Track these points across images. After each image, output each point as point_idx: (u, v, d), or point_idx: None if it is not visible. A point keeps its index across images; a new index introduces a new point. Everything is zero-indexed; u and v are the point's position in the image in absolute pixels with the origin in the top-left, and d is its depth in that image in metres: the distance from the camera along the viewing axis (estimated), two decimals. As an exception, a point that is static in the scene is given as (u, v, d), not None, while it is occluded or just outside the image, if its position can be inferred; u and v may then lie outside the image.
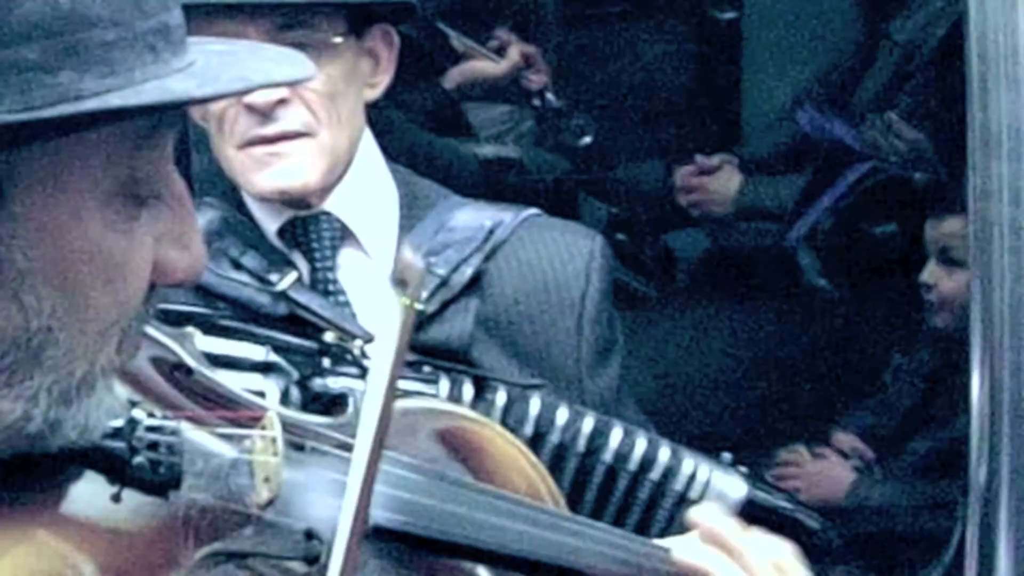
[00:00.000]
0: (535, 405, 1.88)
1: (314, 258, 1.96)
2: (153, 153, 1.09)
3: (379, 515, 1.34)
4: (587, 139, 3.54)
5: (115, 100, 1.03)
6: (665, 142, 4.05)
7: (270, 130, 1.87)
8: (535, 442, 1.84)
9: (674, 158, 3.86)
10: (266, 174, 1.89)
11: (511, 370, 1.96)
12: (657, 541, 1.57)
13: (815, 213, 3.57)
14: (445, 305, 1.95)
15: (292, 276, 1.93)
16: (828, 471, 3.20)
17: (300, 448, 1.33)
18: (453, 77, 3.27)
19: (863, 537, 3.04)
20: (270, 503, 1.27)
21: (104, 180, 1.07)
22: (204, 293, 1.93)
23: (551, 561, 1.47)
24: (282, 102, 1.87)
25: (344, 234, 1.96)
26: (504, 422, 1.84)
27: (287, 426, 1.32)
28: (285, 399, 1.80)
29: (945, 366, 3.14)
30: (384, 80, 2.00)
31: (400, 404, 1.53)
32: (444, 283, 1.95)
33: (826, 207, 3.55)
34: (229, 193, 1.99)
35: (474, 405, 1.85)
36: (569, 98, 3.63)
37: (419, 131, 3.12)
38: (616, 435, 1.90)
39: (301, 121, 1.88)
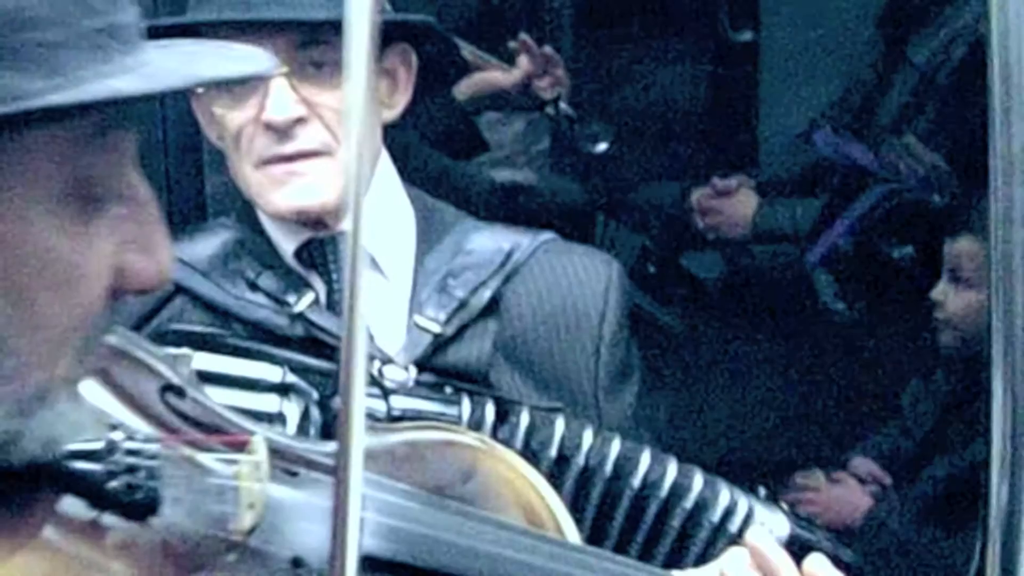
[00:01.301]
0: (560, 427, 1.86)
1: (331, 279, 1.94)
2: (108, 155, 1.06)
3: (371, 544, 1.32)
4: (603, 145, 3.51)
5: (54, 99, 1.00)
6: (681, 164, 4.04)
7: (288, 148, 1.86)
8: (559, 465, 1.82)
9: (690, 180, 3.84)
10: (284, 193, 1.87)
11: (529, 393, 1.94)
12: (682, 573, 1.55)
13: (832, 236, 3.55)
14: (464, 328, 1.94)
15: (309, 297, 1.92)
16: (845, 496, 3.18)
17: (293, 474, 1.31)
18: (464, 88, 3.25)
19: (880, 563, 3.02)
20: (253, 530, 1.25)
21: (53, 182, 1.04)
22: (220, 314, 1.93)
23: None
24: (300, 121, 1.86)
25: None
26: (527, 444, 1.82)
27: (279, 452, 1.30)
28: (305, 420, 1.79)
29: (963, 390, 3.12)
30: (402, 101, 2.00)
31: (403, 435, 1.51)
32: (463, 306, 1.94)
33: (843, 230, 3.53)
34: (244, 214, 1.99)
35: (496, 427, 1.83)
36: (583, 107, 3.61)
37: (434, 154, 3.11)
38: (645, 460, 1.86)
39: (319, 140, 1.87)
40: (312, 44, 1.86)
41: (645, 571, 1.55)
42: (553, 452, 1.83)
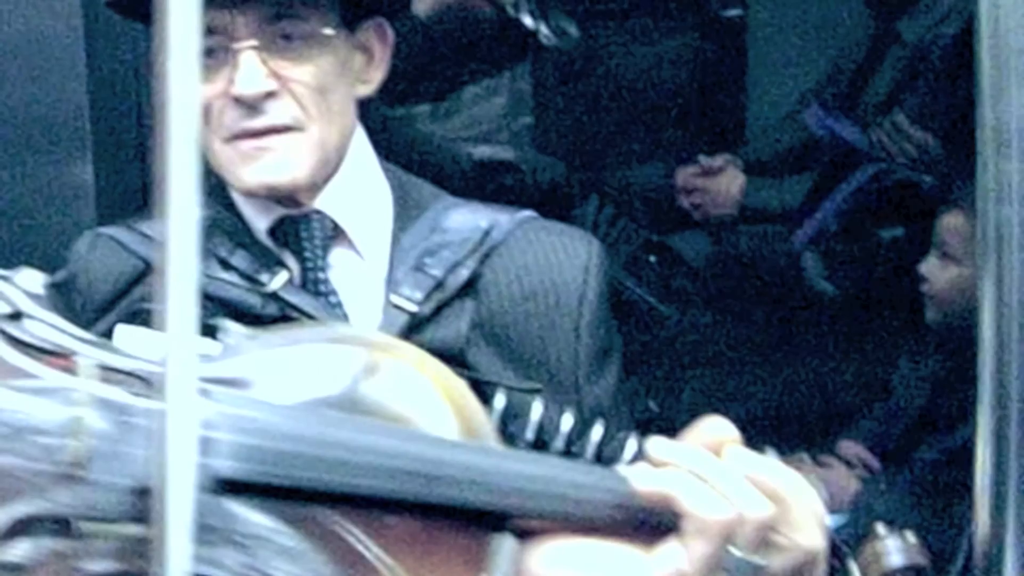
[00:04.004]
0: (537, 410, 1.82)
1: (305, 258, 1.91)
2: None
3: (229, 466, 1.27)
4: (573, 33, 3.43)
5: None
6: (667, 142, 4.01)
7: (258, 123, 1.82)
8: (538, 450, 1.78)
9: (676, 159, 3.82)
10: (253, 168, 1.84)
11: (507, 374, 1.90)
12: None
13: (820, 216, 3.54)
14: (440, 307, 1.89)
15: (283, 276, 1.88)
16: (832, 480, 3.16)
17: (140, 396, 1.25)
18: (424, 2, 3.16)
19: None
20: (86, 460, 1.20)
21: None
22: (192, 293, 1.89)
23: (455, 503, 1.38)
24: (270, 95, 1.82)
25: (336, 234, 1.91)
26: (504, 427, 1.78)
27: (128, 373, 1.24)
28: None
29: (952, 371, 3.11)
30: (377, 76, 1.96)
31: (280, 340, 1.45)
32: (439, 285, 1.90)
33: (832, 210, 3.52)
34: (218, 192, 1.95)
35: None
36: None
37: (412, 129, 3.08)
38: (631, 447, 1.81)
39: (290, 115, 1.83)
40: (282, 17, 1.83)
41: (569, 468, 1.52)
42: (530, 435, 1.79)
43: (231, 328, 1.45)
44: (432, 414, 1.43)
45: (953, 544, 2.52)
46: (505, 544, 1.42)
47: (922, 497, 3.07)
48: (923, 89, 3.47)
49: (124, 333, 1.53)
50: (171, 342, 0.99)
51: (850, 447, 3.24)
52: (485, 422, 1.48)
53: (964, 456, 2.40)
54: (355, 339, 1.49)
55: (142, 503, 1.18)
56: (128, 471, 1.20)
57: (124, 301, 1.90)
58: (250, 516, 1.28)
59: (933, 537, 2.94)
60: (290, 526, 1.29)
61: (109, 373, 1.24)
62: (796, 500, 1.51)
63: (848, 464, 3.20)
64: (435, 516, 1.37)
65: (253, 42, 1.81)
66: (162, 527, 1.05)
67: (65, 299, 1.93)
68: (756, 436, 1.54)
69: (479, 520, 1.41)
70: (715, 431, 1.54)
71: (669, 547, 1.46)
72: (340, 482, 1.33)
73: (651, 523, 1.47)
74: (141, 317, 1.78)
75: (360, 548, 1.32)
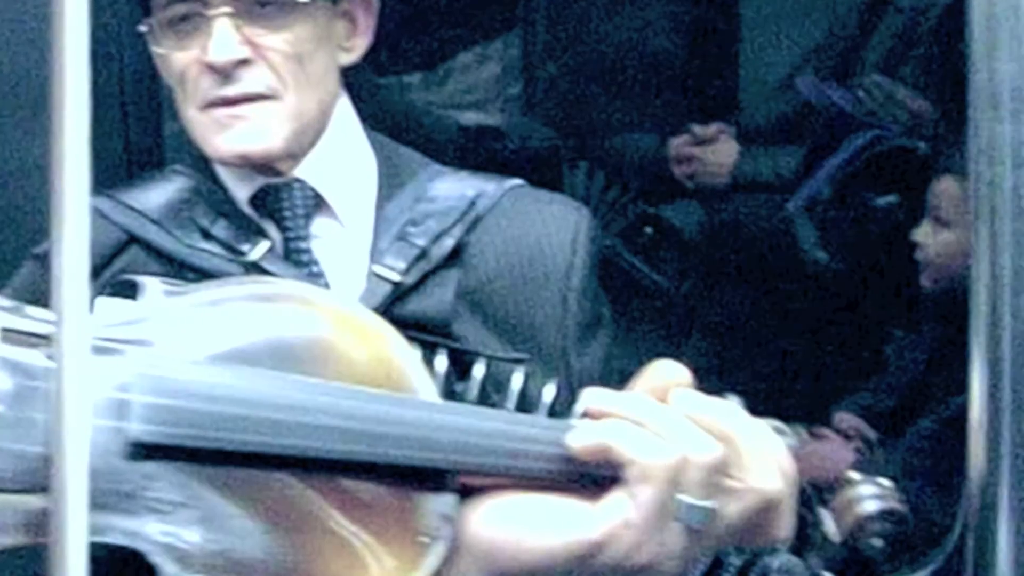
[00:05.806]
0: (518, 380, 1.79)
1: (286, 227, 1.88)
2: None
3: (143, 431, 1.24)
4: None
5: None
6: (659, 111, 3.98)
7: (231, 91, 1.80)
8: None
9: (669, 127, 3.80)
10: (226, 137, 1.81)
11: (493, 345, 1.88)
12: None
13: (814, 184, 3.52)
14: (425, 277, 1.87)
15: (264, 246, 1.86)
16: (827, 452, 3.14)
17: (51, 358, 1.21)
18: None
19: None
20: None
21: None
22: (174, 264, 1.87)
23: (391, 460, 1.35)
24: (244, 63, 1.80)
25: (318, 203, 1.89)
26: (483, 396, 1.76)
27: (41, 339, 1.21)
28: None
29: (948, 341, 3.10)
30: (361, 44, 1.94)
31: (199, 297, 1.40)
32: (424, 255, 1.87)
33: (825, 177, 3.50)
34: (199, 160, 1.93)
35: (450, 378, 1.77)
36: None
37: (399, 97, 3.06)
38: None
39: (264, 83, 1.81)
40: None
41: (513, 421, 1.48)
42: (511, 406, 1.76)
43: (151, 287, 1.42)
44: (357, 371, 1.40)
45: (951, 515, 2.51)
46: (445, 502, 1.39)
47: (918, 467, 3.06)
48: (918, 55, 3.45)
49: (105, 305, 1.50)
50: (63, 298, 0.96)
51: (845, 418, 3.22)
52: (420, 381, 1.44)
53: (959, 425, 2.38)
54: (279, 295, 1.46)
55: (46, 472, 1.15)
56: (33, 437, 1.17)
57: (106, 272, 1.88)
58: (172, 481, 1.25)
59: (929, 506, 2.93)
60: (217, 490, 1.27)
61: (20, 336, 1.21)
62: (749, 441, 1.45)
63: (843, 435, 3.18)
64: (373, 474, 1.34)
65: (227, 9, 1.78)
66: (58, 497, 1.01)
67: (48, 271, 1.91)
68: (750, 407, 1.51)
69: (418, 477, 1.37)
70: (662, 374, 1.49)
71: (614, 497, 1.40)
72: (268, 443, 1.30)
73: (604, 476, 1.42)
74: (121, 288, 1.76)
75: (301, 508, 1.29)
